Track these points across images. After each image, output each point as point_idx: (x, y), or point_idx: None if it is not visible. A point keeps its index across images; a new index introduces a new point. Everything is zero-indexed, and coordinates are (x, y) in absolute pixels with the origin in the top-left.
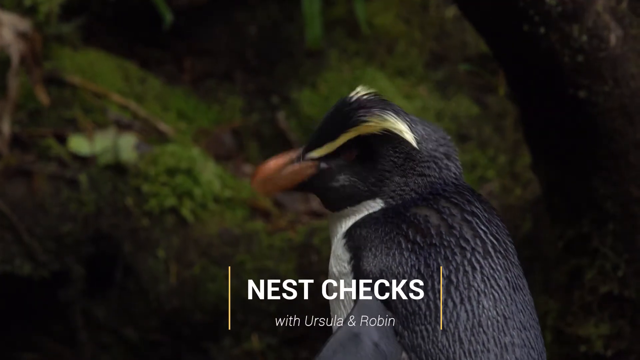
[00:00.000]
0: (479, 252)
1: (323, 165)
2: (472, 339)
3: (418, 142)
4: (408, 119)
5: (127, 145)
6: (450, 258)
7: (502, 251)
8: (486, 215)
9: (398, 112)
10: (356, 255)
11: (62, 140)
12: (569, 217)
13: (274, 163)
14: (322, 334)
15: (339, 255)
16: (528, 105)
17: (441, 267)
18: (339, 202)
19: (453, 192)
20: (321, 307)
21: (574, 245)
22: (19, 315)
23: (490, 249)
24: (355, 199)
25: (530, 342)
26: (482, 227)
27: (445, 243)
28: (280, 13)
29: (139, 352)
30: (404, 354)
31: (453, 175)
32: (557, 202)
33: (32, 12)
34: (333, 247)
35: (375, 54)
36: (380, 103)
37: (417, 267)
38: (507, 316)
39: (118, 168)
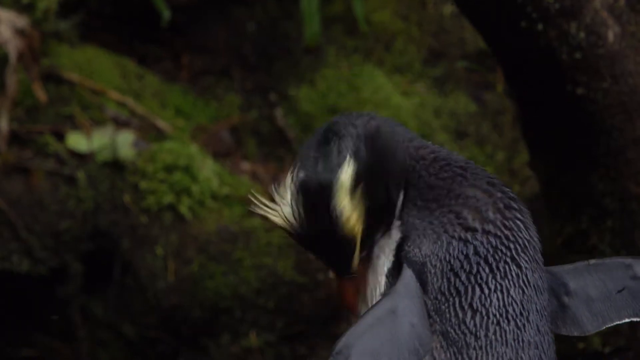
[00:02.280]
0: (519, 245)
1: (366, 255)
2: (497, 328)
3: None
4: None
5: (125, 142)
6: (498, 246)
7: (532, 250)
8: (517, 207)
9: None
10: (405, 237)
11: (60, 137)
12: (567, 213)
13: (351, 302)
14: (320, 330)
15: (391, 234)
16: (526, 102)
17: (488, 255)
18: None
19: (481, 176)
20: (319, 303)
21: (573, 241)
22: (17, 312)
23: (527, 244)
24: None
25: (543, 347)
26: (520, 222)
27: (499, 232)
28: (278, 10)
29: (137, 349)
30: (435, 337)
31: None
32: (556, 199)
33: (30, 9)
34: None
35: (374, 51)
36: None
37: (465, 253)
38: (530, 312)
39: (116, 165)
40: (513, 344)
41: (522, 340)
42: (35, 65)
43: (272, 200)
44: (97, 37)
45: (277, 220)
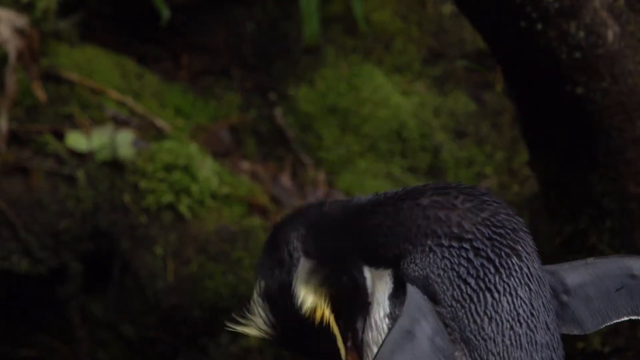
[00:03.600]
0: (510, 229)
1: (352, 344)
2: (511, 332)
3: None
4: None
5: (125, 142)
6: (492, 236)
7: (524, 233)
8: (504, 208)
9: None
10: (395, 266)
11: (59, 136)
12: (566, 213)
13: None
14: None
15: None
16: (525, 101)
17: (488, 250)
18: None
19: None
20: None
21: (572, 241)
22: (17, 312)
23: (516, 227)
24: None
25: (553, 345)
26: (508, 216)
27: (487, 223)
28: (277, 10)
29: (136, 349)
30: (457, 346)
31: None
32: (555, 199)
33: (30, 8)
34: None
35: (373, 51)
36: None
37: (465, 256)
38: (540, 311)
39: (115, 164)
40: (527, 347)
41: (535, 342)
42: (35, 65)
43: (245, 317)
44: (96, 37)
45: (255, 333)
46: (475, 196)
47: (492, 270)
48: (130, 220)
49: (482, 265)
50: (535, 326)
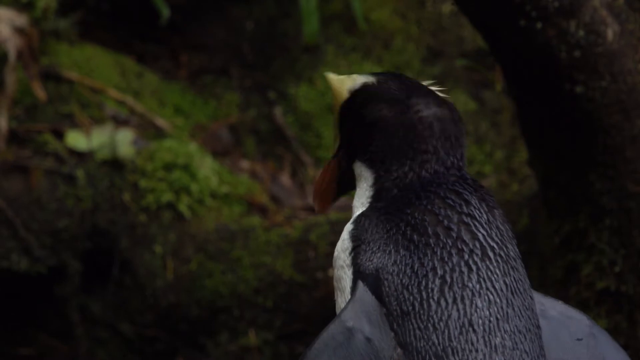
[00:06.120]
0: (476, 254)
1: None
2: (461, 337)
3: (377, 86)
4: (383, 79)
5: (125, 141)
6: (446, 259)
7: (503, 255)
8: (485, 217)
9: (373, 75)
10: (356, 247)
11: (59, 135)
12: (565, 212)
13: (317, 177)
14: (319, 329)
15: (344, 241)
16: (525, 100)
17: (437, 267)
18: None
19: (450, 189)
20: (318, 301)
21: (571, 240)
22: (16, 311)
23: (490, 252)
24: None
25: (523, 346)
26: (482, 230)
27: (441, 244)
28: (276, 8)
29: (135, 348)
30: (398, 350)
31: (447, 157)
32: (554, 198)
33: (29, 7)
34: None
35: (372, 50)
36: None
37: (411, 266)
38: (499, 318)
39: (115, 163)
40: (484, 349)
41: (495, 345)
42: (35, 64)
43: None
44: (96, 36)
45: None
46: (470, 229)
47: (438, 281)
48: (129, 219)
49: (425, 276)
50: (494, 329)
